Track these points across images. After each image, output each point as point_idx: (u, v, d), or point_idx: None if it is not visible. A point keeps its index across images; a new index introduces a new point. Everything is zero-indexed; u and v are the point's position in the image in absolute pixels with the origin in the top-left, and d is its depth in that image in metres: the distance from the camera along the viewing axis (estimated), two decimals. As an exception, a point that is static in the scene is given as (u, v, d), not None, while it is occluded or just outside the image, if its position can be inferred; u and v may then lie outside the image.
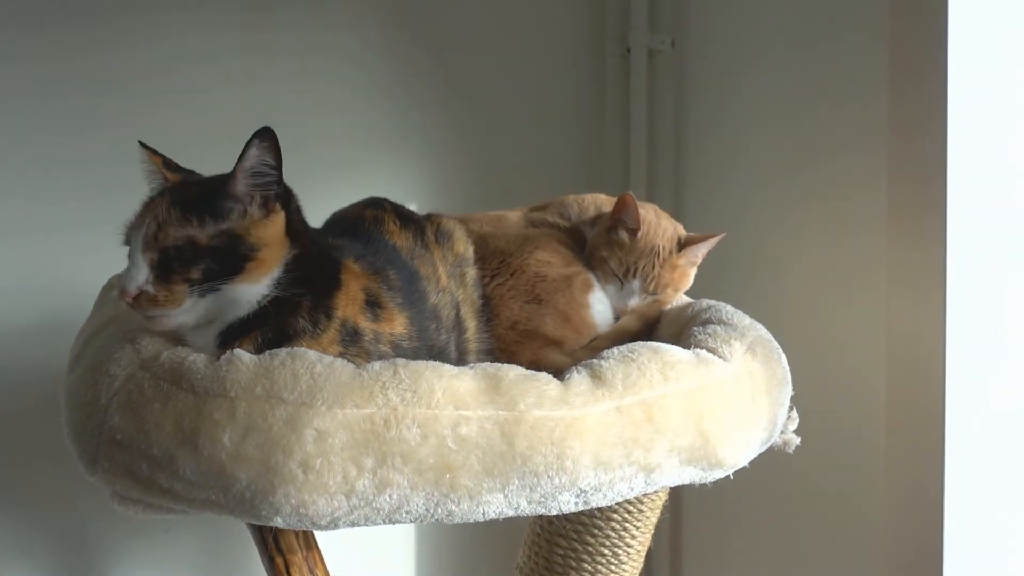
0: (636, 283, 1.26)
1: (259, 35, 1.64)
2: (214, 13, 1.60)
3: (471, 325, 1.13)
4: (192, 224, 0.89)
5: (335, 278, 0.97)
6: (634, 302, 1.26)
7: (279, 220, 0.93)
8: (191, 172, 1.00)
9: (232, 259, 0.90)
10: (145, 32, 1.54)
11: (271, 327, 0.92)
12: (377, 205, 1.14)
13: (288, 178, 1.59)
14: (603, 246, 1.27)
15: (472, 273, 1.18)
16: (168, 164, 1.00)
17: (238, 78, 1.62)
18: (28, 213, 1.46)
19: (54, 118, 1.48)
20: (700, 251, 1.29)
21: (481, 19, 1.84)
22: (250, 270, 0.90)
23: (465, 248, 1.18)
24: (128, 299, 0.89)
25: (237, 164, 0.91)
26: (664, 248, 1.26)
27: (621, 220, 1.26)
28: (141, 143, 1.00)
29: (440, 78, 1.79)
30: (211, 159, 1.52)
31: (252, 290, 0.91)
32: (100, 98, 1.51)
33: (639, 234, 1.25)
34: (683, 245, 1.28)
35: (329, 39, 1.70)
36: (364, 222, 1.10)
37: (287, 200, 0.95)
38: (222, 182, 0.92)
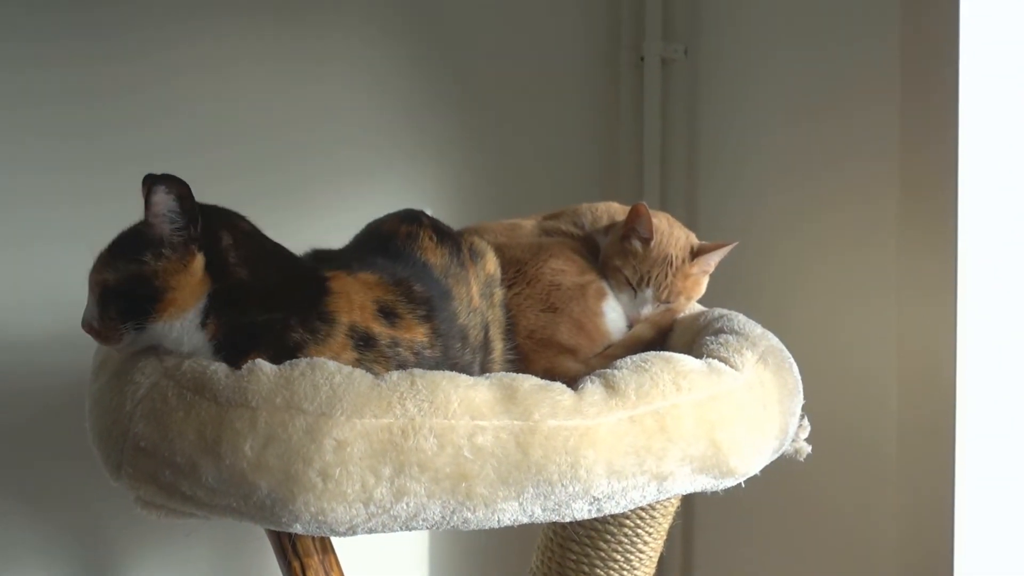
0: (649, 292, 1.27)
1: (273, 41, 1.65)
2: (229, 20, 1.62)
3: (498, 346, 1.14)
4: (109, 268, 0.94)
5: (318, 287, 0.98)
6: (647, 311, 1.27)
7: (195, 262, 0.93)
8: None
9: (139, 301, 0.92)
10: (163, 40, 1.56)
11: (271, 345, 0.94)
12: (413, 220, 1.14)
13: (303, 183, 1.64)
14: (616, 255, 1.28)
15: (500, 294, 1.18)
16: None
17: (253, 84, 1.63)
18: (51, 219, 1.48)
19: (76, 123, 1.50)
20: (712, 260, 1.29)
21: (496, 27, 1.84)
22: (159, 311, 0.92)
23: (495, 269, 1.19)
24: (84, 330, 0.95)
25: (145, 211, 0.93)
26: (677, 257, 1.27)
27: (634, 229, 1.27)
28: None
29: (455, 85, 1.80)
30: (225, 164, 1.57)
31: (177, 326, 0.93)
32: (128, 101, 1.53)
33: (652, 243, 1.26)
34: (695, 254, 1.29)
35: (344, 45, 1.71)
36: (398, 238, 1.10)
37: (215, 237, 0.95)
38: (138, 229, 0.95)
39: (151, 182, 0.91)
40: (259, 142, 1.63)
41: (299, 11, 1.67)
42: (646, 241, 1.26)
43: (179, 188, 0.91)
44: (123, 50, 1.53)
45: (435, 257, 1.10)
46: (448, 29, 1.80)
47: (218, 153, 1.58)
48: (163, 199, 0.91)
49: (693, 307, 1.31)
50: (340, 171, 1.70)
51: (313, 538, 1.07)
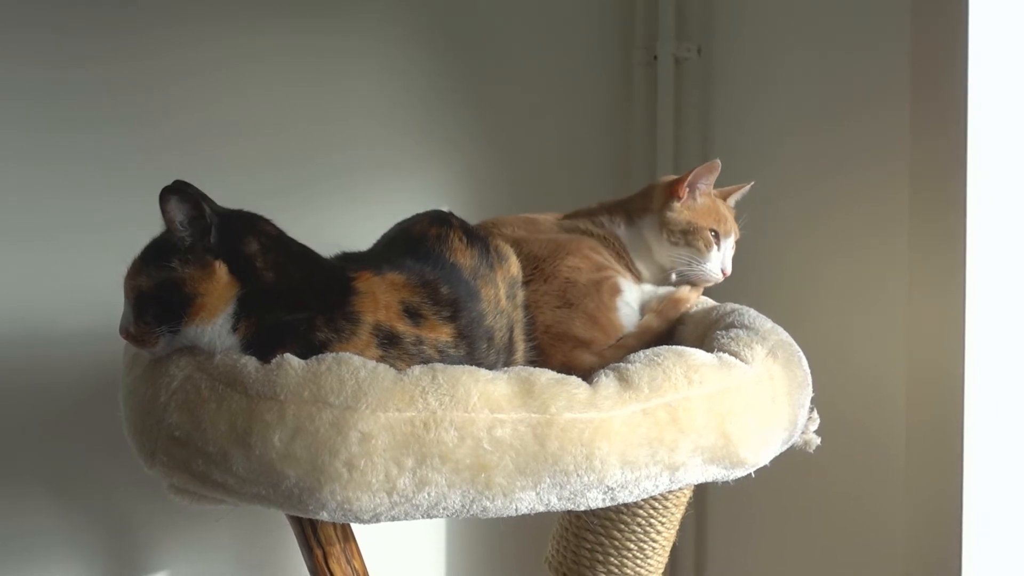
0: (731, 239, 1.32)
1: (293, 39, 1.67)
2: (250, 17, 1.63)
3: (520, 347, 1.15)
4: (142, 275, 0.96)
5: (344, 288, 1.00)
6: (728, 260, 1.32)
7: (216, 270, 0.95)
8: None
9: (172, 306, 0.94)
10: (185, 36, 1.58)
11: (297, 343, 0.96)
12: (443, 221, 1.15)
13: (321, 179, 1.66)
14: (697, 217, 1.31)
15: (521, 295, 1.20)
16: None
17: (273, 81, 1.65)
18: (79, 213, 1.51)
19: (104, 117, 1.52)
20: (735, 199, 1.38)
21: (511, 25, 1.86)
22: (192, 315, 0.94)
23: (518, 271, 1.20)
24: (122, 336, 0.98)
25: (164, 218, 0.95)
26: (724, 202, 1.34)
27: (697, 187, 1.31)
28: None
29: (470, 84, 1.82)
30: (243, 160, 1.59)
31: (208, 329, 0.95)
32: (152, 96, 1.55)
33: (713, 194, 1.31)
34: (724, 196, 1.36)
35: (363, 44, 1.73)
36: (428, 239, 1.11)
37: (241, 243, 0.97)
38: (166, 236, 0.97)
39: (163, 198, 0.93)
40: (277, 139, 1.65)
41: (319, 9, 1.68)
42: (709, 194, 1.30)
43: (187, 205, 0.94)
44: (148, 46, 1.55)
45: (464, 258, 1.10)
46: (465, 30, 1.82)
47: (236, 149, 1.60)
48: (174, 215, 0.94)
49: (704, 302, 1.33)
50: (357, 167, 1.72)
51: (335, 527, 1.10)
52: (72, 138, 1.50)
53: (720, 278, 1.32)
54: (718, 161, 1.30)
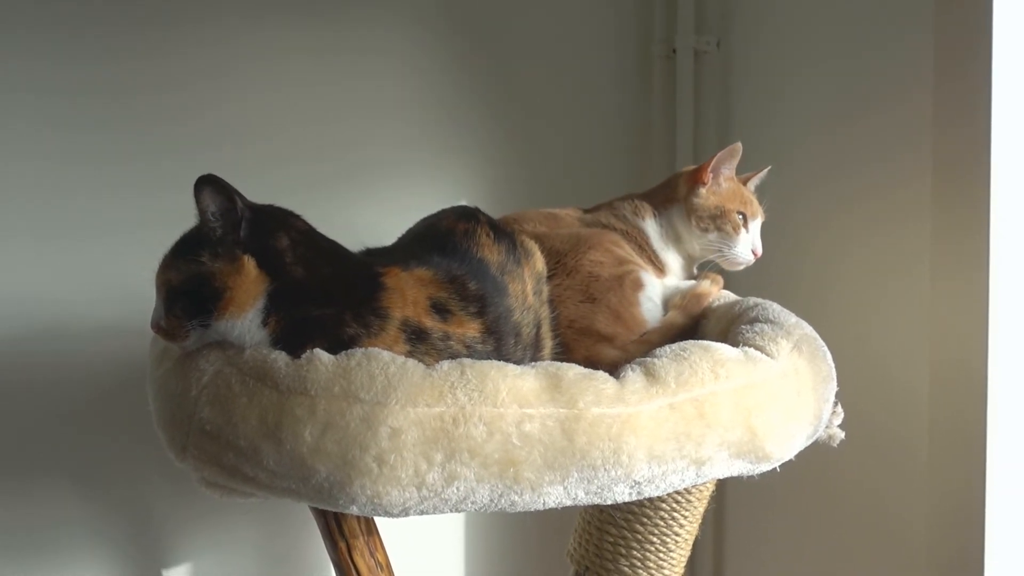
0: (759, 220, 1.34)
1: (314, 36, 1.67)
2: (273, 14, 1.64)
3: (547, 343, 1.15)
4: (172, 269, 0.97)
5: (372, 283, 1.00)
6: (758, 241, 1.33)
7: (244, 265, 0.96)
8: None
9: (202, 300, 0.95)
10: (208, 35, 1.59)
11: (326, 338, 0.96)
12: (470, 217, 1.15)
13: (339, 176, 1.66)
14: (721, 201, 1.33)
15: (546, 291, 1.20)
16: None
17: (295, 78, 1.66)
18: (110, 209, 1.52)
19: (128, 115, 1.53)
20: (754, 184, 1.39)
21: (529, 21, 1.86)
22: (222, 309, 0.95)
23: (543, 267, 1.20)
24: (153, 330, 0.99)
25: (197, 208, 0.96)
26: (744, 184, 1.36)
27: (720, 171, 1.32)
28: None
29: (489, 80, 1.82)
30: (264, 160, 1.60)
31: (238, 323, 0.96)
32: (176, 95, 1.56)
33: (734, 178, 1.33)
34: (744, 182, 1.38)
35: (379, 40, 1.73)
36: (455, 235, 1.11)
37: (272, 238, 0.98)
38: (198, 229, 0.97)
39: (197, 187, 0.94)
40: (299, 136, 1.66)
41: (340, 7, 1.69)
42: (730, 179, 1.32)
43: (221, 197, 0.94)
44: (174, 45, 1.57)
45: (492, 254, 1.11)
46: (483, 23, 1.82)
47: (258, 147, 1.61)
48: (207, 204, 0.95)
49: (726, 296, 1.33)
50: (376, 164, 1.73)
51: (359, 519, 1.11)
52: (100, 137, 1.51)
53: (752, 259, 1.34)
54: (739, 144, 1.31)
